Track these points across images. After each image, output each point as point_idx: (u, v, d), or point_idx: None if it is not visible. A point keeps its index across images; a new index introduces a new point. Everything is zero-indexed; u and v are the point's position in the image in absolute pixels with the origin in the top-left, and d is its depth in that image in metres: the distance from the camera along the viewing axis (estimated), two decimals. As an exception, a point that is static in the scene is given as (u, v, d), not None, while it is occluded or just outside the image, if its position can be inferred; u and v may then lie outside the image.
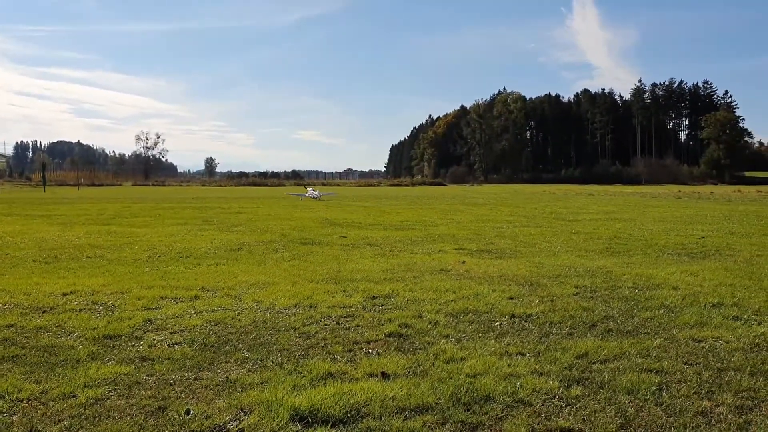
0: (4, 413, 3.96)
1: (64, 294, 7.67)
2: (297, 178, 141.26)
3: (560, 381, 4.57)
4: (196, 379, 4.64)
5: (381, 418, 3.89)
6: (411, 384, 4.46)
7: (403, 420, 3.87)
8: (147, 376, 4.69)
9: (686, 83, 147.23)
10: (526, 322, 6.38)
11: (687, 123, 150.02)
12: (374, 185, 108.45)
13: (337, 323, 6.33)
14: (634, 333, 5.98)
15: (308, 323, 6.31)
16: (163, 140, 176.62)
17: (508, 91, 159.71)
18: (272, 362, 5.06)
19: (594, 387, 4.47)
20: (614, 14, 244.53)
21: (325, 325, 6.27)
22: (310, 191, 43.88)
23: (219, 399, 4.22)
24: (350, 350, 5.41)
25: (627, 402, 4.19)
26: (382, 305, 7.14)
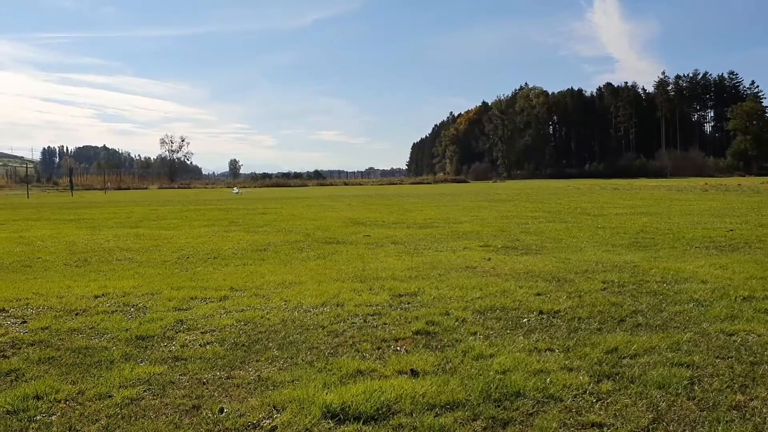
0: (44, 413, 4.06)
1: (96, 296, 7.81)
2: (319, 178, 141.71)
3: (590, 376, 4.56)
4: (228, 377, 4.71)
5: (412, 415, 3.92)
6: (441, 381, 4.48)
7: (434, 416, 3.89)
8: (180, 375, 4.78)
9: (711, 74, 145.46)
10: (554, 318, 6.37)
11: (712, 114, 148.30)
12: (396, 183, 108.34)
13: (365, 321, 6.37)
14: (663, 327, 5.94)
15: (336, 321, 6.36)
16: (188, 143, 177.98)
17: (529, 86, 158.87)
18: (302, 360, 5.11)
19: (624, 382, 4.46)
20: (635, 6, 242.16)
21: (353, 323, 6.31)
22: (235, 189, 71.92)
23: (251, 397, 4.28)
24: (379, 348, 5.44)
25: (658, 396, 4.17)
26: (408, 303, 7.17)
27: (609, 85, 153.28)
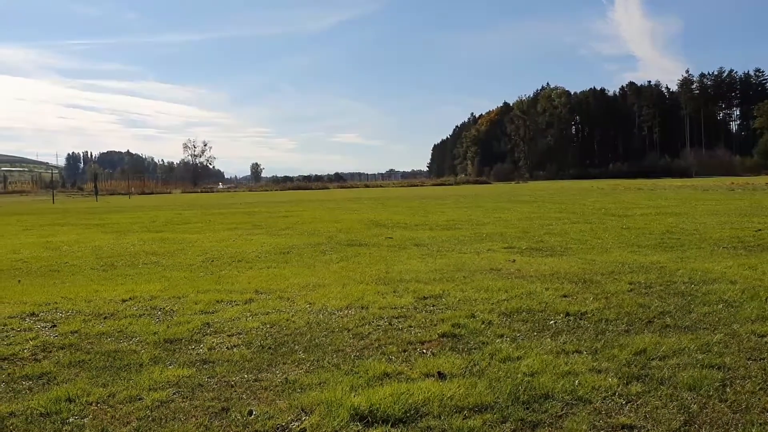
0: (76, 416, 4.11)
1: (124, 300, 7.89)
2: (340, 180, 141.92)
3: (619, 378, 4.52)
4: (256, 380, 4.73)
5: (440, 418, 3.91)
6: (468, 383, 4.47)
7: (463, 419, 3.88)
8: (208, 378, 4.81)
9: (736, 72, 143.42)
10: (581, 319, 6.32)
11: (738, 113, 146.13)
12: (417, 185, 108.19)
13: (390, 324, 6.37)
14: (692, 329, 5.87)
15: (361, 324, 6.36)
16: (210, 148, 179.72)
17: (551, 87, 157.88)
18: (328, 363, 5.12)
19: (654, 384, 4.41)
20: (657, 2, 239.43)
21: (378, 325, 6.31)
22: (220, 185, 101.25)
23: (280, 399, 4.30)
24: (404, 351, 5.43)
25: (689, 398, 4.12)
26: (433, 306, 7.15)
27: (632, 84, 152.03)
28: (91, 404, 4.30)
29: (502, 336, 5.76)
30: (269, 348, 5.60)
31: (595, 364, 4.87)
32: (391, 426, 3.82)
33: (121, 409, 4.21)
